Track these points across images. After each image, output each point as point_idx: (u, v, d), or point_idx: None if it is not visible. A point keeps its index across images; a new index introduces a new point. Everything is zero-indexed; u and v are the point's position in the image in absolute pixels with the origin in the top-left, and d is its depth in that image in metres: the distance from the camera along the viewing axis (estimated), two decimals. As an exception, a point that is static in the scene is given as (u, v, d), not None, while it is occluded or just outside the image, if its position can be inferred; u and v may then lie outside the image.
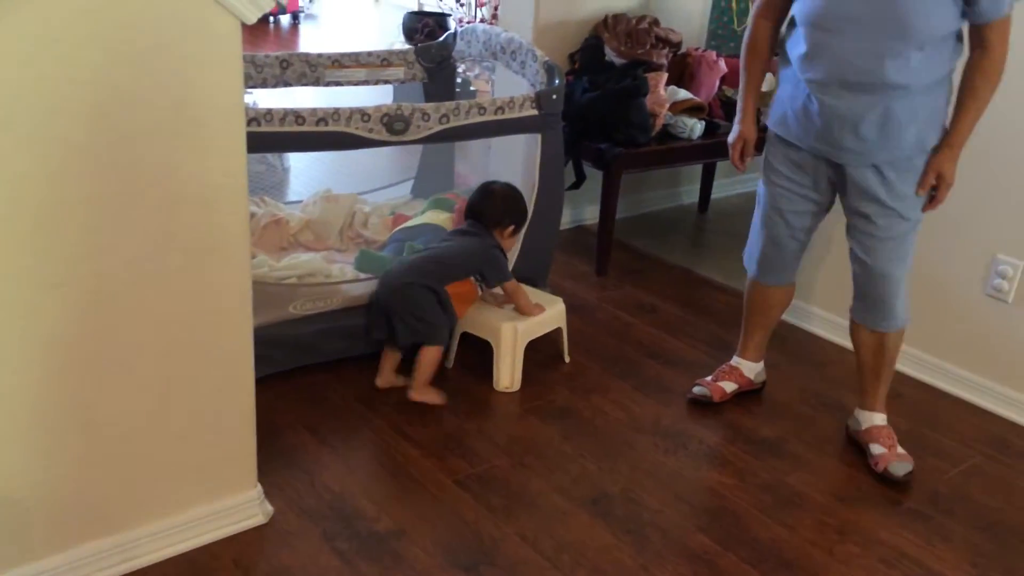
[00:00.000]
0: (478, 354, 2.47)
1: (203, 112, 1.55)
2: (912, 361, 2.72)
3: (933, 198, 2.09)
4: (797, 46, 2.04)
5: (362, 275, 2.58)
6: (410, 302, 2.32)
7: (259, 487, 1.89)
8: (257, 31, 7.88)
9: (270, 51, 6.99)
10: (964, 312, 2.59)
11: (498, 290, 2.49)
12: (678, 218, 4.05)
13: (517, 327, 2.45)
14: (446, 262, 2.38)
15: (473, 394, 2.43)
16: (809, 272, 2.96)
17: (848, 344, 2.86)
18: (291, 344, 2.39)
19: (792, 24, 2.09)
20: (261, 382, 2.33)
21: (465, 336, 2.53)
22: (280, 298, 2.37)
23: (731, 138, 2.34)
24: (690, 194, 4.20)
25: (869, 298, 2.22)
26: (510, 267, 2.60)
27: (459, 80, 4.62)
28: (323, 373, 2.45)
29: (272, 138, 2.21)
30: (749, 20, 2.22)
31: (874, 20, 1.89)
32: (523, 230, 2.53)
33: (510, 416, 2.39)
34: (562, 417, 2.38)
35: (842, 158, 2.08)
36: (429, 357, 2.35)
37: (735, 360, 2.54)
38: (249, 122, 2.13)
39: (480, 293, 2.48)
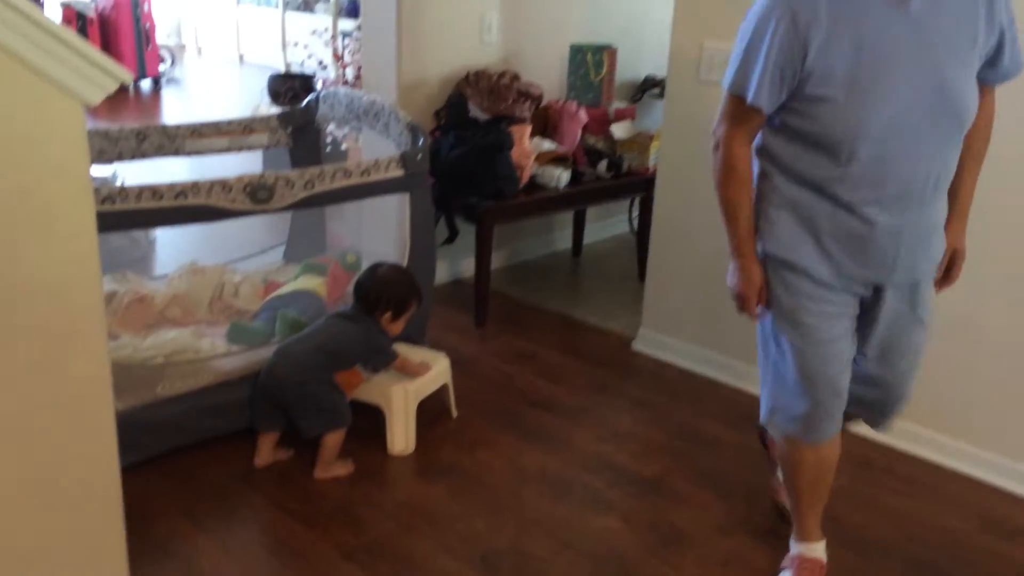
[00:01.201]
0: (363, 420, 2.43)
1: (47, 198, 1.50)
2: (780, 389, 2.84)
3: (948, 275, 1.86)
4: (821, 166, 1.66)
5: (235, 348, 2.53)
6: (308, 399, 2.30)
7: (131, 582, 1.80)
8: (116, 99, 7.64)
9: (130, 119, 6.82)
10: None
11: None
12: (553, 264, 4.14)
13: (407, 389, 2.44)
14: (331, 352, 2.34)
15: (359, 461, 2.39)
16: (676, 305, 3.08)
17: (719, 377, 2.98)
18: (160, 427, 2.30)
19: (788, 140, 1.70)
20: (130, 469, 2.23)
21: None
22: (146, 379, 2.28)
23: (738, 286, 1.83)
24: (563, 240, 4.30)
25: (875, 409, 1.96)
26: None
27: (329, 140, 4.62)
28: (197, 453, 2.37)
29: (129, 215, 2.15)
30: (721, 147, 1.75)
31: (933, 115, 1.61)
32: (409, 314, 2.47)
33: (396, 479, 2.37)
34: (448, 475, 2.37)
35: (891, 279, 1.74)
36: (335, 440, 2.33)
37: (803, 548, 1.99)
38: (103, 201, 2.08)
39: (366, 377, 2.45)
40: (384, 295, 2.41)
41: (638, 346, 3.21)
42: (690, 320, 3.05)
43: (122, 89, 8.11)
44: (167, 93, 8.23)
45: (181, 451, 2.36)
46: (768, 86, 1.63)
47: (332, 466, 2.33)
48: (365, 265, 3.06)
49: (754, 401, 2.84)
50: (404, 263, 2.70)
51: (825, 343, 1.77)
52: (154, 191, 2.18)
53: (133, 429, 2.19)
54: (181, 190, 2.21)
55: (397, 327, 2.46)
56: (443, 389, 2.64)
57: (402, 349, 2.57)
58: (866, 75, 1.59)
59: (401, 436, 2.45)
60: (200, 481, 2.28)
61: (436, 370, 2.57)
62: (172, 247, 3.87)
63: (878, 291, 1.76)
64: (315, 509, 2.19)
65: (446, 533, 2.13)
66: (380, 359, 2.43)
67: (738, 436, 2.63)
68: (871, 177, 1.64)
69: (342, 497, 2.25)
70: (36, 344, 1.54)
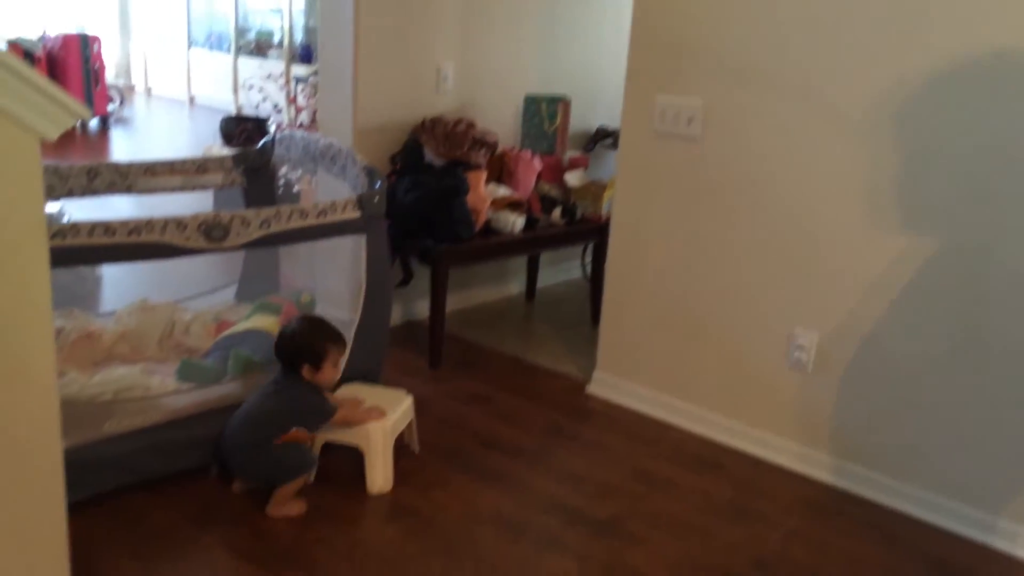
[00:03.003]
0: (328, 459, 2.41)
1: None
2: (731, 431, 2.89)
3: None
4: None
5: (184, 386, 2.48)
6: (251, 463, 2.31)
7: (75, 626, 1.74)
8: (64, 138, 7.53)
9: (78, 158, 6.71)
10: (772, 382, 2.79)
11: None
12: (507, 308, 4.15)
13: (385, 427, 2.43)
14: (263, 423, 2.31)
15: (317, 502, 2.35)
16: (630, 349, 3.12)
17: (673, 420, 3.01)
18: (107, 465, 2.24)
19: None
20: (75, 509, 2.16)
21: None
22: (93, 417, 2.23)
23: None
24: (517, 284, 4.33)
25: None
26: (339, 371, 2.59)
27: (282, 182, 4.61)
28: (145, 493, 2.31)
29: (81, 252, 2.11)
30: None
31: None
32: (333, 359, 2.40)
33: (350, 521, 2.33)
34: (403, 516, 2.35)
35: None
36: (288, 490, 2.30)
37: None
38: (53, 236, 2.05)
39: (310, 436, 2.41)
40: (297, 349, 2.37)
41: (592, 389, 3.23)
42: (644, 364, 3.09)
43: (70, 128, 8.00)
44: (115, 133, 8.14)
45: (128, 490, 2.30)
46: None
47: (285, 505, 2.29)
48: (319, 307, 3.06)
49: (707, 445, 2.88)
50: (359, 304, 2.69)
51: None
52: (106, 227, 2.15)
53: (79, 467, 2.12)
54: (134, 227, 2.19)
55: (326, 376, 2.39)
56: (407, 426, 2.63)
57: (356, 390, 2.56)
58: None
59: (381, 474, 2.43)
60: (148, 521, 2.22)
61: (405, 406, 2.57)
62: (119, 284, 3.80)
63: None
64: (267, 550, 2.15)
65: (401, 575, 2.10)
66: (316, 419, 2.38)
67: (692, 478, 2.66)
68: None
69: (295, 538, 2.21)
70: (-15, 378, 1.50)
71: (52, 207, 3.90)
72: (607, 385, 3.20)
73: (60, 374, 2.44)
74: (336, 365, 2.41)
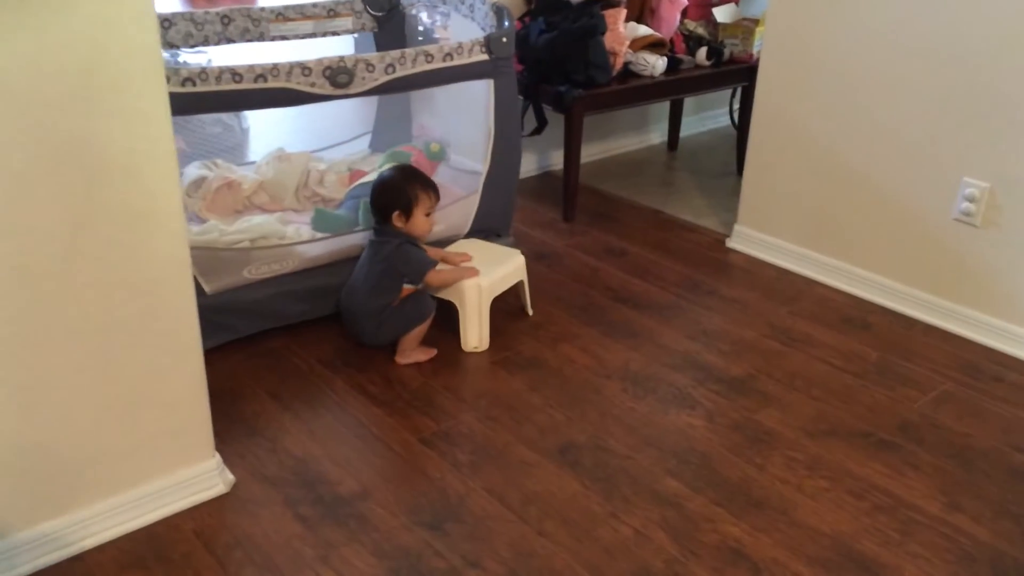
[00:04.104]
0: (442, 313, 2.41)
1: (117, 75, 1.47)
2: (881, 289, 2.69)
3: None
4: None
5: (319, 235, 2.52)
6: (378, 333, 2.34)
7: (218, 456, 1.86)
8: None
9: (215, 6, 6.78)
10: (933, 237, 2.55)
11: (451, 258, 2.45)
12: (647, 159, 3.98)
13: (481, 285, 2.38)
14: (376, 294, 2.31)
15: (445, 352, 2.38)
16: (775, 201, 2.92)
17: (817, 276, 2.83)
18: (248, 309, 2.33)
19: None
20: (219, 350, 2.29)
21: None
22: (233, 263, 2.31)
23: None
24: (658, 134, 4.13)
25: None
26: (468, 223, 2.54)
27: (420, 29, 4.51)
28: (282, 337, 2.41)
29: (209, 98, 2.12)
30: None
31: None
32: (423, 206, 2.32)
33: (476, 371, 2.35)
34: (529, 368, 2.34)
35: None
36: (412, 338, 2.34)
37: None
38: (183, 82, 2.07)
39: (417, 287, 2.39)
40: (385, 199, 2.31)
41: (733, 244, 3.08)
42: (789, 217, 2.90)
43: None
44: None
45: (267, 334, 2.40)
46: None
47: (412, 353, 2.33)
48: (450, 155, 3.01)
49: (854, 303, 2.71)
50: (488, 154, 2.62)
51: None
52: (234, 73, 2.14)
53: (221, 311, 2.24)
54: (261, 72, 2.17)
55: (418, 225, 2.32)
56: (519, 286, 2.57)
57: (468, 246, 2.53)
58: None
59: (475, 333, 2.40)
60: (285, 364, 2.31)
61: (511, 267, 2.50)
62: (266, 136, 3.87)
63: None
64: (395, 395, 2.21)
65: (525, 425, 2.11)
66: (411, 271, 2.33)
67: (832, 336, 2.51)
68: None
69: (422, 385, 2.25)
70: (114, 222, 1.54)
71: (200, 57, 3.98)
72: (748, 239, 3.03)
73: (202, 222, 2.53)
74: (428, 214, 2.34)
